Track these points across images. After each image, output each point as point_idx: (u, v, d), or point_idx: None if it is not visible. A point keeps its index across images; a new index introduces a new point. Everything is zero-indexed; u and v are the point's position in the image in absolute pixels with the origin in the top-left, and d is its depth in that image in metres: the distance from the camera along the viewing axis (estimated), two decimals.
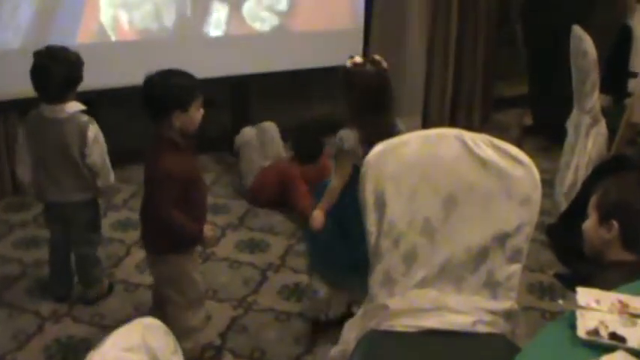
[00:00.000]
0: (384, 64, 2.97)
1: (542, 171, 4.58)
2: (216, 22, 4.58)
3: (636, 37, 4.75)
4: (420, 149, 2.54)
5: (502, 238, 2.53)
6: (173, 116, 2.66)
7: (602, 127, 4.20)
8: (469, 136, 2.55)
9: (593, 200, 2.42)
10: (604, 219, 2.34)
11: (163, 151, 2.70)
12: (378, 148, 2.52)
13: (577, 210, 3.89)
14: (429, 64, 5.18)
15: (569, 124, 4.38)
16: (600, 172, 3.88)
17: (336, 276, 3.15)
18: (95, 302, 3.40)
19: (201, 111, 2.74)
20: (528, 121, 5.48)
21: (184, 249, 2.86)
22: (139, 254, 3.76)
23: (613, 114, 4.35)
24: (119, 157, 4.54)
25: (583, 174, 4.18)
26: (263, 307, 3.42)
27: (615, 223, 2.30)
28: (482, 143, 2.54)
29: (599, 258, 2.40)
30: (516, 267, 2.56)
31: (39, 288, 3.49)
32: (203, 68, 4.41)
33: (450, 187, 2.53)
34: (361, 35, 4.93)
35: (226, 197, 4.43)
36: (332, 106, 5.27)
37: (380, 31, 4.99)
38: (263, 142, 4.46)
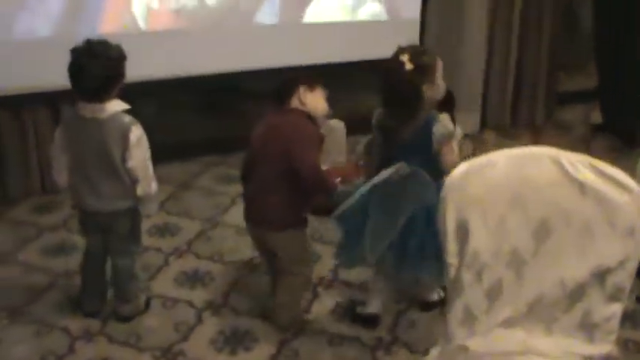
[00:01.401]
0: (408, 66, 2.82)
1: None
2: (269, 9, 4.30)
3: None
4: (509, 170, 2.20)
5: (602, 274, 2.19)
6: (300, 92, 2.96)
7: None
8: (566, 157, 2.21)
9: None
10: None
11: (299, 119, 2.94)
12: (461, 168, 2.20)
13: None
14: (489, 56, 4.82)
15: None
16: None
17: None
18: (131, 320, 3.11)
19: (326, 105, 3.03)
20: (597, 118, 5.10)
21: (304, 221, 3.05)
22: (178, 264, 3.50)
23: None
24: (153, 155, 4.35)
25: None
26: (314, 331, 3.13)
27: None
28: (581, 165, 2.20)
29: None
30: (617, 307, 2.23)
31: (69, 302, 3.21)
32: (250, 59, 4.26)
33: (542, 214, 2.19)
34: (418, 26, 4.59)
35: None
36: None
37: (437, 22, 4.65)
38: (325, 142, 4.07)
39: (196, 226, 3.80)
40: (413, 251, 2.92)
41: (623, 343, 3.10)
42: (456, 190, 2.19)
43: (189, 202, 4.04)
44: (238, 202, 3.98)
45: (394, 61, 2.87)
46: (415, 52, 2.90)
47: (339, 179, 3.66)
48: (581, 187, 2.18)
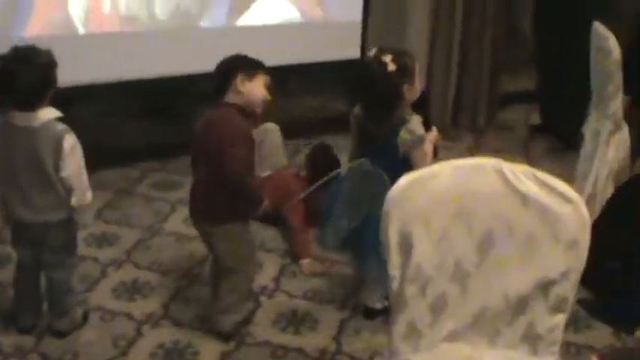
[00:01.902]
0: (391, 67, 2.87)
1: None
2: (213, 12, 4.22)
3: None
4: (453, 182, 2.18)
5: (545, 286, 2.19)
6: (238, 80, 2.79)
7: (624, 134, 3.86)
8: (509, 168, 2.19)
9: None
10: None
11: (231, 115, 2.80)
12: (403, 181, 2.16)
13: (598, 231, 3.57)
14: (431, 59, 4.80)
15: (587, 130, 4.03)
16: (625, 191, 3.58)
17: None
18: (67, 335, 3.00)
19: (265, 91, 2.85)
20: (536, 119, 5.14)
21: (246, 216, 2.95)
22: (116, 275, 3.41)
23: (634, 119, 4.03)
24: (92, 160, 4.22)
25: (603, 185, 3.85)
26: (257, 342, 3.06)
27: None
28: (523, 176, 2.18)
29: None
30: (560, 318, 2.24)
31: (1, 317, 3.08)
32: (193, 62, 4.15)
33: (486, 226, 2.18)
34: (359, 29, 4.55)
35: None
36: (322, 101, 5.03)
37: (378, 24, 4.62)
38: (261, 147, 4.00)
39: (135, 235, 3.70)
40: (366, 246, 2.97)
41: (565, 347, 3.10)
42: (399, 203, 2.15)
43: (129, 210, 3.94)
44: (178, 209, 3.92)
45: (376, 62, 2.90)
46: (397, 53, 2.94)
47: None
48: (524, 198, 2.17)
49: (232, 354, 2.98)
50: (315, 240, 3.37)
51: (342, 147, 4.62)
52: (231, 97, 2.84)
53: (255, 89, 2.85)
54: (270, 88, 2.89)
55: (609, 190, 3.81)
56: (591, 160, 3.94)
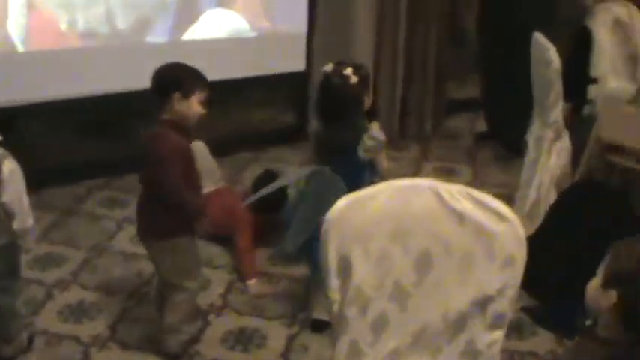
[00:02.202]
0: (353, 79, 3.02)
1: (498, 185, 4.49)
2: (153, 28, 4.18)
3: (596, 40, 4.50)
4: (390, 203, 2.19)
5: (483, 303, 2.22)
6: (173, 99, 2.76)
7: (565, 142, 3.93)
8: (444, 188, 2.22)
9: (606, 258, 2.11)
10: (606, 285, 2.03)
11: (166, 131, 2.80)
12: (341, 203, 2.18)
13: (544, 239, 3.64)
14: (376, 69, 4.82)
15: (530, 138, 4.10)
16: (568, 198, 3.64)
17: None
18: None
19: (203, 109, 2.82)
20: (482, 126, 5.20)
21: (190, 228, 2.93)
22: (62, 297, 3.37)
23: (576, 126, 4.11)
24: (36, 179, 4.18)
25: (546, 192, 3.92)
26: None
27: (614, 295, 2.00)
28: (459, 195, 2.21)
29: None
30: (498, 333, 2.27)
31: None
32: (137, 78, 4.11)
33: (424, 246, 2.20)
34: (303, 41, 4.57)
35: None
36: (270, 114, 5.04)
37: (323, 36, 4.64)
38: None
39: (81, 255, 3.67)
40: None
41: (509, 355, 3.15)
42: (338, 225, 2.17)
43: (74, 229, 3.90)
44: (125, 227, 3.89)
45: (338, 75, 3.02)
46: (355, 65, 3.08)
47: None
48: (460, 217, 2.19)
49: None
50: (275, 249, 3.50)
51: (291, 160, 4.68)
52: (167, 115, 2.82)
53: (192, 108, 2.81)
54: (205, 103, 2.85)
55: (552, 197, 3.88)
56: (534, 167, 4.01)
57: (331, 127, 3.10)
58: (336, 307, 2.20)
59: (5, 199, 2.76)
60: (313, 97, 3.32)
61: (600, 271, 2.09)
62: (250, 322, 3.27)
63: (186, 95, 2.78)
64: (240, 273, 3.58)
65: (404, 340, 2.25)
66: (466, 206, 2.20)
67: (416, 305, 2.23)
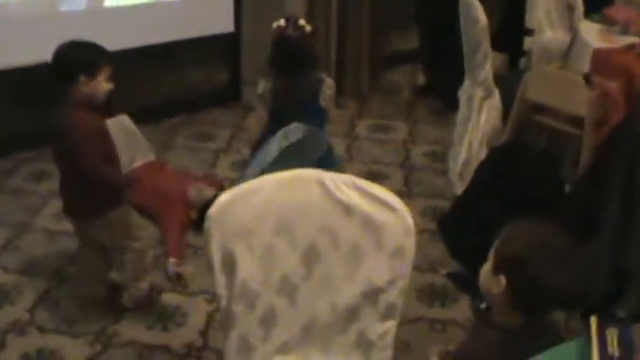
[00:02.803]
0: (308, 28, 3.16)
1: (432, 141, 4.45)
2: None
3: None
4: (274, 196, 2.15)
5: (373, 294, 2.20)
6: (80, 82, 2.73)
7: (495, 100, 3.88)
8: (330, 178, 2.17)
9: (495, 242, 2.06)
10: (496, 270, 1.99)
11: (79, 112, 2.75)
12: (223, 198, 2.12)
13: (470, 200, 3.61)
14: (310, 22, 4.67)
15: (462, 95, 4.04)
16: (494, 159, 3.60)
17: None
18: None
19: (110, 84, 2.81)
20: (421, 80, 5.12)
21: (120, 200, 2.94)
22: None
23: (508, 81, 4.04)
24: None
25: (477, 150, 3.88)
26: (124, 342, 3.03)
27: (503, 280, 1.95)
28: (344, 186, 2.16)
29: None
30: (391, 324, 2.25)
31: None
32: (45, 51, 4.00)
33: (310, 238, 2.16)
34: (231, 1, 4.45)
35: None
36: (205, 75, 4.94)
37: None
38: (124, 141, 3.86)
39: (4, 234, 3.61)
40: None
41: (430, 324, 3.14)
42: (220, 220, 2.12)
43: None
44: (50, 202, 3.83)
45: (293, 27, 3.13)
46: (303, 18, 3.22)
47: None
48: (347, 208, 2.15)
49: (99, 357, 2.96)
50: None
51: (224, 121, 4.62)
52: (75, 97, 2.77)
53: (98, 86, 2.78)
54: (112, 77, 2.82)
55: (483, 155, 3.85)
56: (466, 125, 3.96)
57: (292, 80, 3.14)
58: (223, 303, 2.17)
59: None
60: (263, 56, 3.25)
61: (491, 256, 2.05)
62: (172, 299, 3.24)
63: (93, 76, 2.75)
64: (166, 249, 3.53)
65: (294, 334, 2.23)
66: (353, 197, 2.16)
67: (305, 299, 2.20)
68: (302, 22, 3.15)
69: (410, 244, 2.18)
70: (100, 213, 2.90)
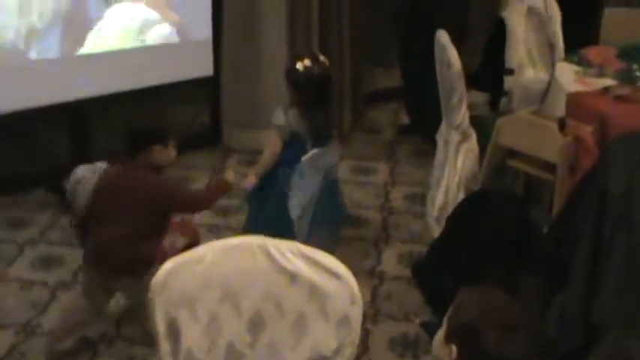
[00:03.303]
0: (327, 63, 3.40)
1: (414, 183, 4.44)
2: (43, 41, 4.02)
3: (510, 30, 4.38)
4: (218, 264, 2.14)
5: None
6: (155, 152, 2.98)
7: (472, 144, 3.85)
8: (274, 246, 2.16)
9: (450, 309, 2.02)
10: (448, 338, 1.95)
11: (151, 174, 3.00)
12: (167, 266, 2.12)
13: (443, 246, 3.58)
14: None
15: (439, 137, 4.02)
16: (467, 204, 3.57)
17: None
18: None
19: (173, 153, 3.07)
20: (405, 119, 5.10)
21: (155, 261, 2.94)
22: None
23: (487, 123, 4.02)
24: None
25: (454, 195, 3.85)
26: None
27: (455, 349, 1.91)
28: (289, 253, 2.15)
29: None
30: None
31: None
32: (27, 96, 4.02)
33: (255, 306, 2.15)
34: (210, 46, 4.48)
35: (61, 245, 3.89)
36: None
37: (232, 38, 4.53)
38: None
39: None
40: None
41: None
42: (163, 289, 2.11)
43: None
44: (26, 251, 3.82)
45: (317, 63, 3.35)
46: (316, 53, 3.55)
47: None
48: (292, 276, 2.14)
49: None
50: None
51: (205, 165, 4.61)
52: (144, 160, 2.99)
53: (169, 155, 3.05)
54: (177, 147, 3.09)
55: (460, 199, 3.81)
56: (443, 168, 3.94)
57: (320, 113, 3.38)
58: None
59: None
60: (284, 93, 3.45)
61: (444, 323, 2.02)
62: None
63: (165, 145, 3.02)
64: None
65: None
66: (298, 265, 2.15)
67: None
68: (322, 58, 3.39)
69: (356, 312, 2.16)
70: (139, 271, 2.91)
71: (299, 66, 3.33)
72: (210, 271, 2.13)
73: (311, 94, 3.33)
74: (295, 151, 3.36)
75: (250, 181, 3.44)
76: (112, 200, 2.98)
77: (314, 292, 2.14)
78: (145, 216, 2.94)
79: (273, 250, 2.14)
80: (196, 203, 3.24)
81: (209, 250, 2.16)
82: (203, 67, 4.49)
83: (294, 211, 3.34)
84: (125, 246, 2.94)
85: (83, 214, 3.08)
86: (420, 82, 4.70)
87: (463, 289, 2.05)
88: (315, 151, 3.36)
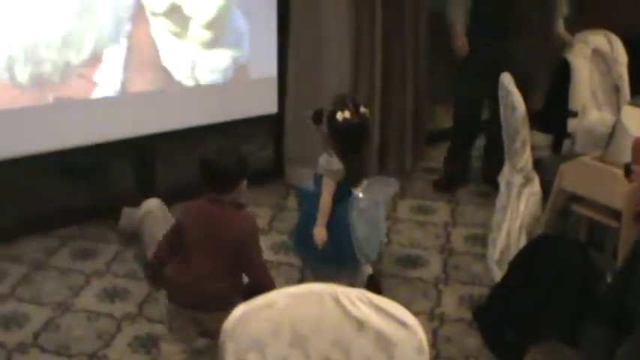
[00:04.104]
0: (367, 113, 3.44)
1: (475, 224, 4.42)
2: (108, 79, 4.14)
3: (574, 72, 4.38)
4: (288, 310, 2.17)
5: None
6: (243, 185, 2.98)
7: (535, 187, 3.85)
8: (344, 293, 2.18)
9: None
10: None
11: (236, 212, 2.97)
12: (238, 312, 2.16)
13: (505, 291, 3.57)
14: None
15: (501, 180, 4.02)
16: (529, 250, 3.56)
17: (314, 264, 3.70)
18: None
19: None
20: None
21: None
22: None
23: (549, 165, 4.01)
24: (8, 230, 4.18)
25: (516, 238, 3.84)
26: None
27: None
28: (358, 301, 2.17)
29: None
30: None
31: None
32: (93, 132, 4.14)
33: (323, 352, 2.17)
34: (275, 83, 4.55)
35: (127, 277, 3.99)
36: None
37: (296, 75, 4.62)
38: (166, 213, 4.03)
39: (46, 314, 3.68)
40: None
41: None
42: (233, 335, 2.15)
43: (42, 285, 3.91)
44: (92, 282, 3.92)
45: (357, 115, 3.37)
46: (357, 100, 3.48)
47: None
48: (360, 324, 2.16)
49: None
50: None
51: (265, 201, 4.67)
52: (229, 196, 2.95)
53: (244, 190, 3.02)
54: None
55: (522, 243, 3.80)
56: (505, 211, 3.93)
57: (359, 159, 3.53)
58: None
59: None
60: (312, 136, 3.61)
61: None
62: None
63: (246, 178, 3.01)
64: None
65: None
66: (365, 312, 2.17)
67: None
68: (363, 109, 3.40)
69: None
70: (226, 307, 2.77)
71: (339, 116, 3.37)
72: (280, 317, 2.17)
73: (348, 144, 3.41)
74: (341, 190, 3.47)
75: (322, 236, 3.47)
76: (200, 236, 2.95)
77: (381, 340, 2.15)
78: (229, 254, 2.92)
79: (342, 298, 2.17)
80: (264, 271, 3.05)
81: (280, 295, 2.19)
82: (267, 104, 4.57)
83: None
84: (212, 283, 2.94)
85: (162, 249, 3.09)
86: (477, 126, 4.71)
87: (533, 350, 2.08)
88: (367, 182, 3.49)
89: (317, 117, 3.47)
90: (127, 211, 4.18)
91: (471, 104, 4.66)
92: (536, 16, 4.38)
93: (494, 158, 4.43)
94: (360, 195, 3.46)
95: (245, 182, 2.98)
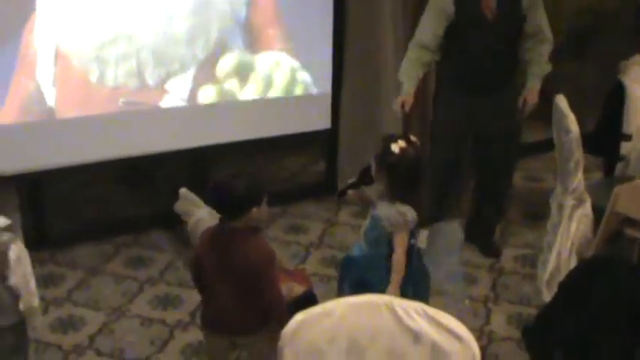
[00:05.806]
0: (418, 142, 3.13)
1: (525, 245, 4.41)
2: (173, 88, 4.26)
3: (629, 95, 4.38)
4: (345, 320, 2.24)
5: None
6: (253, 212, 2.86)
7: (586, 209, 3.84)
8: (400, 305, 2.24)
9: None
10: None
11: (247, 238, 2.88)
12: (297, 319, 2.23)
13: (555, 313, 3.56)
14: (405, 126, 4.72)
15: (553, 202, 4.02)
16: (581, 272, 3.55)
17: None
18: None
19: (267, 209, 2.95)
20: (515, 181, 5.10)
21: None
22: None
23: (602, 187, 4.01)
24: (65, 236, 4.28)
25: (566, 260, 3.84)
26: None
27: None
28: (414, 313, 2.23)
29: None
30: None
31: None
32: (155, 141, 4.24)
33: None
34: (329, 100, 4.63)
35: (179, 285, 4.08)
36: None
37: (351, 93, 4.68)
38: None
39: (101, 318, 3.78)
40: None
41: None
42: (293, 339, 2.21)
43: (97, 290, 4.02)
44: (146, 289, 4.00)
45: (411, 144, 3.06)
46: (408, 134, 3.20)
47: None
48: (415, 335, 2.21)
49: None
50: None
51: (316, 215, 4.73)
52: (241, 223, 2.87)
53: (264, 213, 2.93)
54: (269, 201, 2.95)
55: (572, 265, 3.80)
56: (556, 233, 3.94)
57: (409, 201, 3.13)
58: None
59: (12, 281, 2.89)
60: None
61: None
62: None
63: (260, 204, 2.88)
64: None
65: None
66: (421, 324, 2.22)
67: None
68: (413, 138, 3.13)
69: None
70: (255, 330, 2.95)
71: (394, 148, 3.05)
72: (338, 325, 2.23)
73: (407, 178, 3.07)
74: None
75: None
76: (214, 262, 2.92)
77: (436, 352, 2.20)
78: (245, 279, 2.86)
79: (399, 309, 2.23)
80: (276, 301, 2.92)
81: (338, 304, 2.26)
82: (322, 119, 4.64)
83: None
84: (237, 307, 2.92)
85: (193, 278, 3.10)
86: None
87: None
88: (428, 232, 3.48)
89: (365, 174, 3.23)
90: (184, 193, 4.18)
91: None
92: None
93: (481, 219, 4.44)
94: (422, 246, 3.32)
95: (257, 210, 2.85)
